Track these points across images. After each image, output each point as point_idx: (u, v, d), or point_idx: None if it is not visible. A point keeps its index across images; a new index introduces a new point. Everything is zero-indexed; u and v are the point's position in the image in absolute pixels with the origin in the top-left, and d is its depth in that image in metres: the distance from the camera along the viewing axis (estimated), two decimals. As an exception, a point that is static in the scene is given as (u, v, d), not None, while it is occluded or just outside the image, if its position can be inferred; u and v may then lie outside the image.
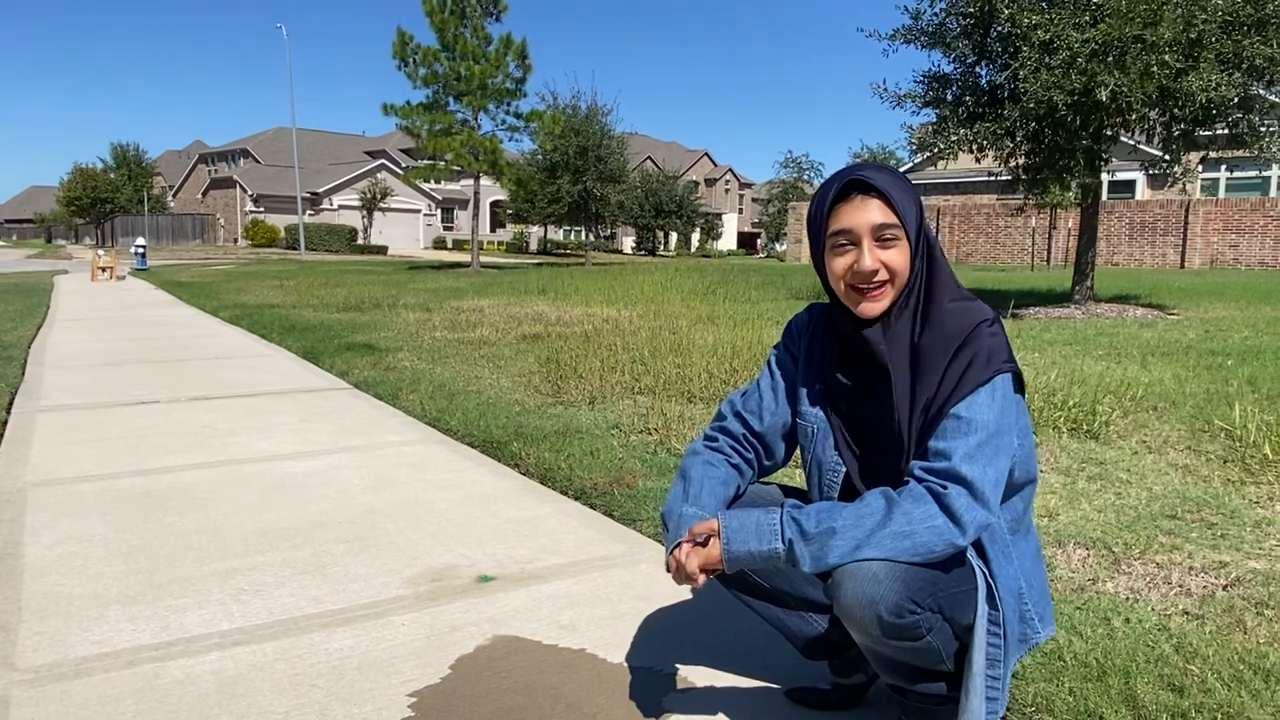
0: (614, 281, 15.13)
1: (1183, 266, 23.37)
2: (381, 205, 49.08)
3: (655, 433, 4.15)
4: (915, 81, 9.85)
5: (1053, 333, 7.93)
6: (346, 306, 11.24)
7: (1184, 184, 11.46)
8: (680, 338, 7.05)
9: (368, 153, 57.22)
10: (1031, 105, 8.49)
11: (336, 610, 2.30)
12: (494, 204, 51.86)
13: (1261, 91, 8.82)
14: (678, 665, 2.02)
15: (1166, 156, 9.65)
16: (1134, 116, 8.84)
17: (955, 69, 9.68)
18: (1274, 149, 8.92)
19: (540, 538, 2.85)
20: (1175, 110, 8.69)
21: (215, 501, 3.20)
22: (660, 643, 2.12)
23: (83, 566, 2.57)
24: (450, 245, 49.62)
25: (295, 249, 39.79)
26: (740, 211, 65.76)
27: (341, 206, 49.01)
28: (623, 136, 30.65)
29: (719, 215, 59.94)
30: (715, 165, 66.78)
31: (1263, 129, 8.97)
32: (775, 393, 1.67)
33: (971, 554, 1.47)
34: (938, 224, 28.04)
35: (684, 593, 2.38)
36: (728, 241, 60.14)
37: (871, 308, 1.48)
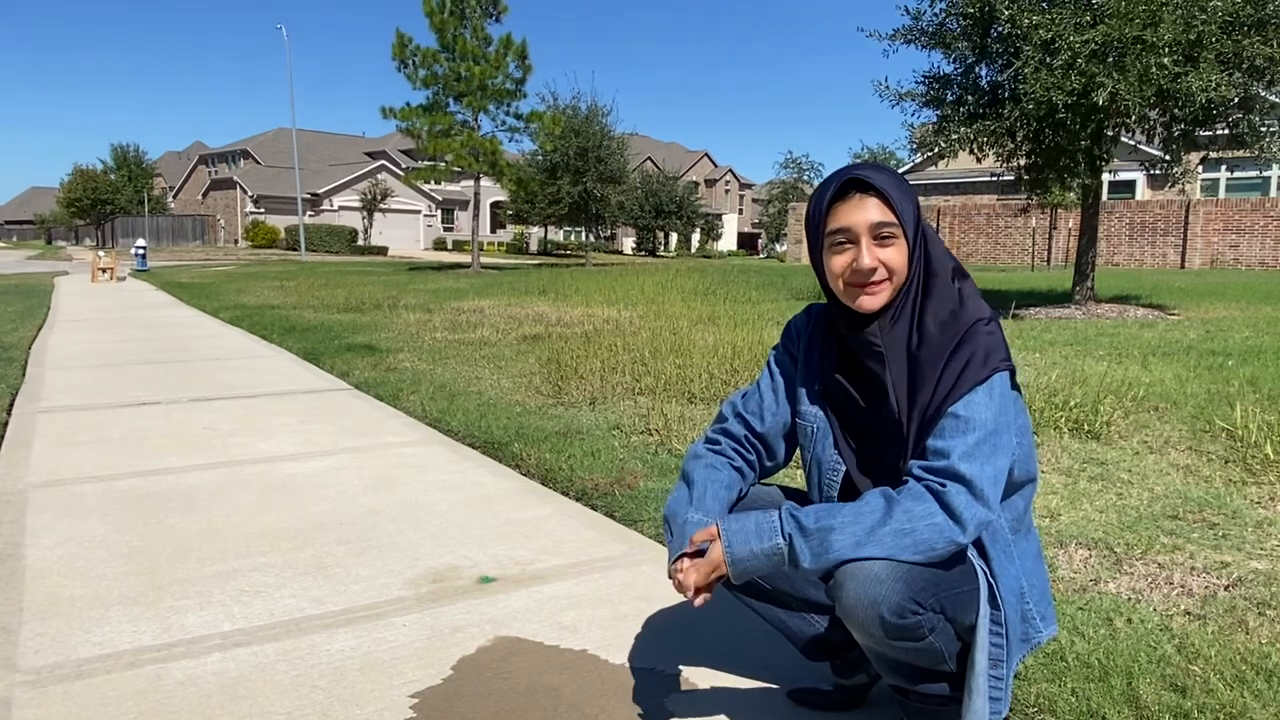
0: (614, 282, 15.13)
1: (1183, 267, 23.37)
2: (382, 206, 49.08)
3: (656, 433, 4.15)
4: (916, 82, 9.86)
5: (1054, 333, 7.93)
6: (347, 307, 11.24)
7: (1184, 184, 11.45)
8: (681, 338, 7.05)
9: (368, 153, 57.22)
10: (1031, 106, 8.50)
11: (338, 611, 2.30)
12: (494, 205, 51.84)
13: (1261, 91, 8.81)
14: (680, 666, 2.02)
15: (1167, 157, 9.65)
16: (1134, 117, 8.84)
17: (955, 69, 9.68)
18: (1274, 149, 8.92)
19: (541, 538, 2.85)
20: (1175, 110, 8.69)
21: (216, 503, 3.20)
22: (662, 643, 2.12)
23: (84, 568, 2.57)
24: (450, 246, 49.63)
25: (295, 250, 39.79)
26: (740, 212, 65.76)
27: (342, 207, 49.02)
28: (623, 137, 30.64)
29: (719, 216, 59.95)
30: (715, 166, 66.78)
31: (1263, 129, 8.96)
32: (775, 393, 1.68)
33: (973, 553, 1.47)
34: (938, 224, 28.03)
35: (685, 593, 2.38)
36: (728, 242, 60.14)
37: (870, 301, 1.49)
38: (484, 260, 28.96)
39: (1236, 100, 8.69)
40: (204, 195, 56.06)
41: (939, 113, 9.74)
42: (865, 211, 1.46)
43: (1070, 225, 25.23)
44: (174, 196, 63.91)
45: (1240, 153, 9.60)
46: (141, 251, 23.04)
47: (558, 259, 39.87)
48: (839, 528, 1.36)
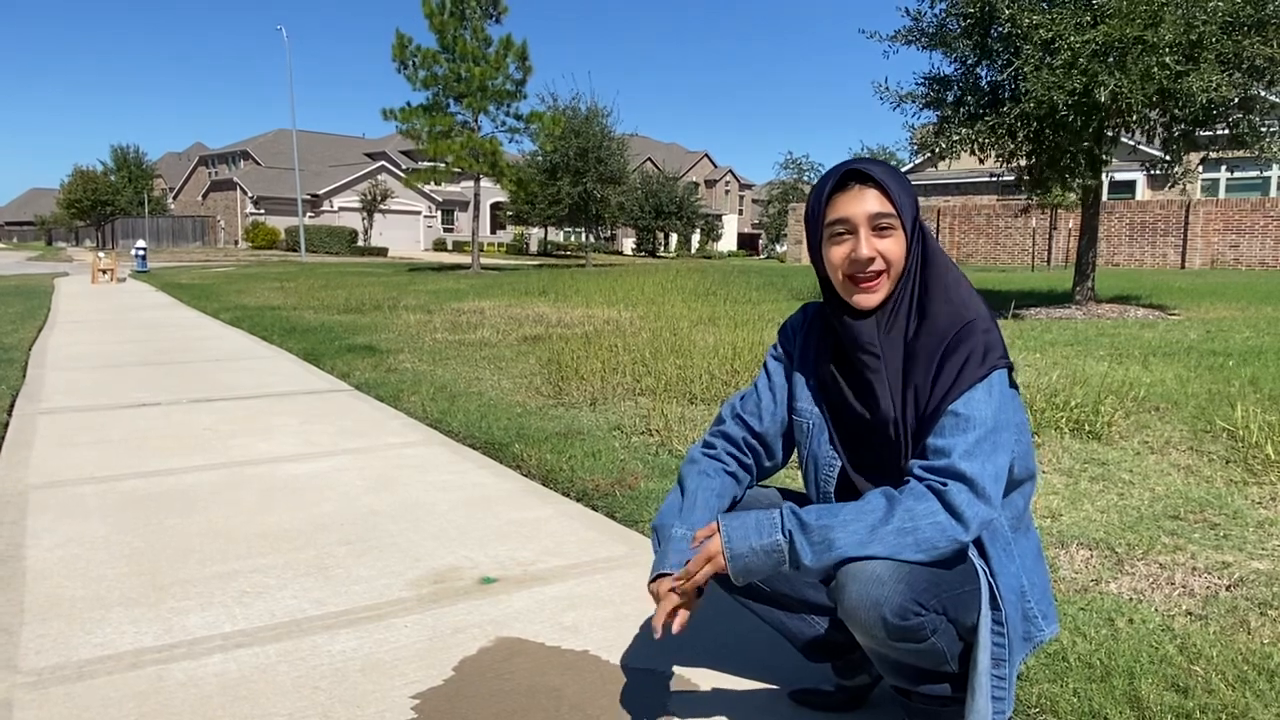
0: (614, 283, 15.13)
1: (1183, 267, 23.37)
2: (382, 207, 49.07)
3: (657, 434, 4.15)
4: (916, 84, 9.87)
5: (1054, 333, 7.93)
6: (347, 308, 11.24)
7: (1184, 184, 11.46)
8: (681, 339, 7.05)
9: (368, 154, 57.21)
10: (1032, 105, 8.50)
11: (339, 612, 2.30)
12: (494, 206, 51.85)
13: (1261, 92, 8.82)
14: (680, 667, 2.02)
15: (1167, 157, 9.66)
16: (1134, 117, 8.85)
17: (956, 70, 9.69)
18: (1274, 149, 8.92)
19: (542, 539, 2.85)
20: (1175, 111, 8.70)
21: (217, 503, 3.20)
22: (663, 645, 2.12)
23: (85, 569, 2.57)
24: (450, 247, 49.62)
25: (295, 251, 39.79)
26: (740, 212, 65.76)
27: (342, 208, 49.02)
28: (623, 138, 30.61)
29: (719, 216, 59.93)
30: (715, 166, 66.80)
31: (1263, 129, 8.97)
32: (773, 391, 1.68)
33: (973, 553, 1.47)
34: (938, 224, 28.04)
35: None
36: (728, 242, 60.13)
37: (867, 300, 1.49)
38: (484, 261, 28.96)
39: (1237, 100, 8.69)
40: (204, 196, 56.07)
41: (939, 114, 9.74)
42: (864, 202, 1.46)
43: (1070, 225, 25.23)
44: (174, 198, 63.92)
45: (1240, 153, 9.60)
46: (141, 252, 23.05)
47: (558, 260, 39.87)
48: (841, 526, 1.36)
